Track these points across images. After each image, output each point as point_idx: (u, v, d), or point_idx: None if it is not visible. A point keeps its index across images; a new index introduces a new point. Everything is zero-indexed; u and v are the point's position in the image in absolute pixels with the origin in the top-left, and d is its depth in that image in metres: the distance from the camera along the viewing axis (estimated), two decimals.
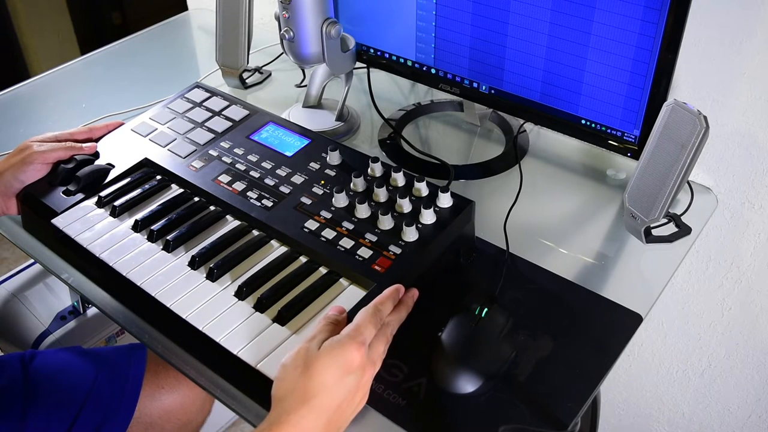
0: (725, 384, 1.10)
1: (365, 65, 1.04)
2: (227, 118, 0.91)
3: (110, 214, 0.79)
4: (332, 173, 0.80)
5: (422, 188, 0.76)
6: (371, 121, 1.05)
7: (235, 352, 0.63)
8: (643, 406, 1.24)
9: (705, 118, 0.69)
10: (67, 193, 0.82)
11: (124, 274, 0.71)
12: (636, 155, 0.79)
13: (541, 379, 0.65)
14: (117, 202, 0.79)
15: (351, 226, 0.73)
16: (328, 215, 0.75)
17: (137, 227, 0.76)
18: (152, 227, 0.75)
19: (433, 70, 0.95)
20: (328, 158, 0.82)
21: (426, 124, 1.06)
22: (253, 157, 0.84)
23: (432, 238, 0.71)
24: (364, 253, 0.70)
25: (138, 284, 0.70)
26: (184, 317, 0.67)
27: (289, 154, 0.84)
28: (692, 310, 1.05)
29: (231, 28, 1.10)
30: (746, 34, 0.80)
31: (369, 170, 0.79)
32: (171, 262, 0.72)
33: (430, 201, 0.75)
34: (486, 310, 0.69)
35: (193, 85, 1.00)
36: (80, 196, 0.81)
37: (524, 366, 0.66)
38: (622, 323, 0.70)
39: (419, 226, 0.72)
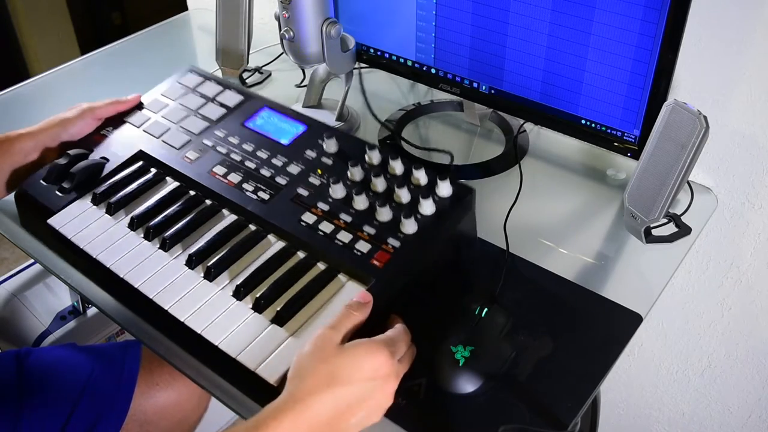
0: (725, 384, 1.10)
1: (366, 65, 1.04)
2: (221, 105, 0.89)
3: (106, 212, 0.78)
4: (329, 162, 0.78)
5: (421, 177, 0.74)
6: (371, 120, 1.05)
7: (234, 356, 0.63)
8: (643, 406, 1.24)
9: (705, 118, 0.69)
10: (62, 190, 0.81)
11: (121, 276, 0.71)
12: (636, 155, 0.79)
13: (541, 379, 0.65)
14: (112, 200, 0.78)
15: (349, 219, 0.72)
16: (326, 207, 0.73)
17: (133, 225, 0.76)
18: (148, 225, 0.74)
19: (433, 70, 0.95)
20: (324, 146, 0.80)
21: (426, 124, 1.06)
22: (248, 147, 0.82)
23: (432, 230, 0.70)
24: (363, 247, 0.69)
25: (135, 286, 0.70)
26: (182, 320, 0.66)
27: (285, 142, 0.82)
28: (692, 310, 1.05)
29: (231, 28, 1.10)
30: (746, 34, 0.80)
31: (366, 158, 0.77)
32: (168, 262, 0.72)
33: (429, 190, 0.73)
34: (486, 310, 0.69)
35: (187, 69, 0.97)
36: (75, 194, 0.80)
37: (524, 366, 0.66)
38: (622, 323, 0.70)
39: (418, 217, 0.71)
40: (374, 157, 0.77)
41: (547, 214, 0.86)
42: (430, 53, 0.94)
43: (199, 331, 0.65)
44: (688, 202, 0.83)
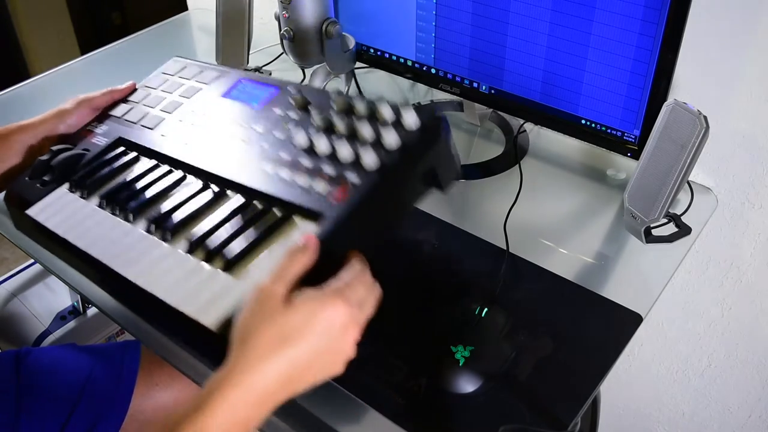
0: (725, 384, 1.10)
1: (366, 65, 1.04)
2: (199, 82, 0.89)
3: (80, 196, 0.78)
4: (296, 116, 0.76)
5: (386, 111, 0.69)
6: None
7: (172, 305, 0.61)
8: (643, 406, 1.24)
9: (705, 118, 0.69)
10: (43, 183, 0.82)
11: (84, 249, 0.71)
12: (636, 155, 0.79)
13: (541, 379, 0.65)
14: (86, 184, 0.78)
15: (309, 163, 0.68)
16: (287, 156, 0.71)
17: (103, 204, 0.76)
18: (114, 201, 0.75)
19: (433, 70, 0.95)
20: (293, 102, 0.78)
21: None
22: (220, 115, 0.81)
23: (397, 162, 0.65)
24: (320, 187, 0.65)
25: (94, 256, 0.69)
26: (130, 279, 0.65)
27: (256, 106, 0.81)
28: (692, 310, 1.05)
29: (231, 28, 1.10)
30: (746, 35, 0.80)
31: (333, 105, 0.74)
32: (131, 232, 0.71)
33: (393, 122, 0.68)
34: (486, 310, 0.69)
35: (172, 58, 0.97)
36: (55, 185, 0.81)
37: (524, 366, 0.66)
38: (622, 323, 0.70)
39: (381, 151, 0.66)
40: (340, 101, 0.73)
41: (547, 214, 0.86)
42: (430, 53, 0.94)
43: (143, 287, 0.64)
44: (688, 202, 0.83)
